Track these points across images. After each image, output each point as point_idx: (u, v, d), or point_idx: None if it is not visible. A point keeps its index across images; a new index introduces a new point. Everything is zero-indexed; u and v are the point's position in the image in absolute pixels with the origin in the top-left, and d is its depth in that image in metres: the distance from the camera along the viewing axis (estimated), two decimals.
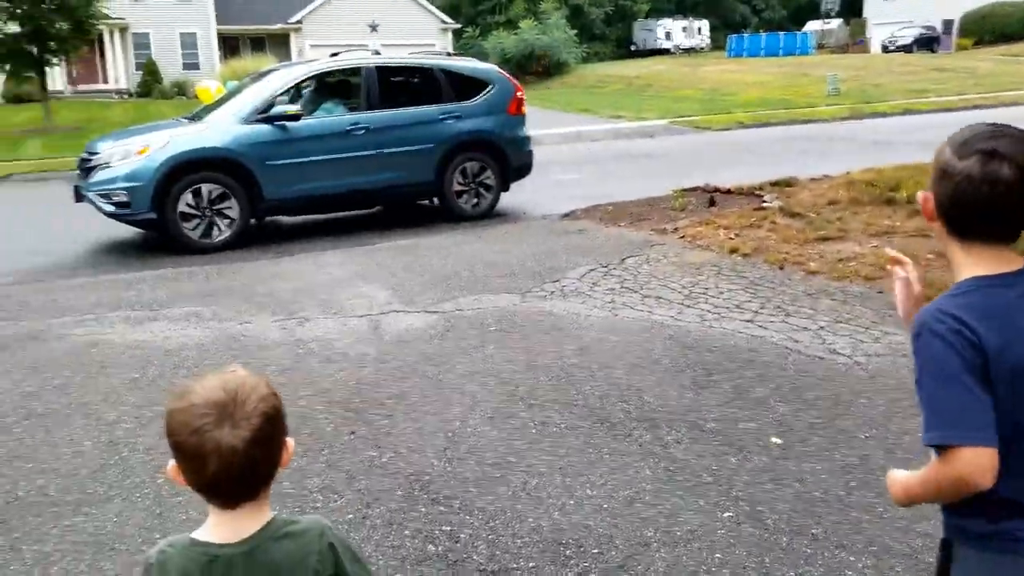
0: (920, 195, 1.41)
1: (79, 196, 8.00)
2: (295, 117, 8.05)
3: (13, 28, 18.48)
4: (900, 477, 1.41)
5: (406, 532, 2.85)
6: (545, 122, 17.48)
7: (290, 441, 1.28)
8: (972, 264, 1.35)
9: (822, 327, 4.80)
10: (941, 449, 1.27)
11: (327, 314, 5.41)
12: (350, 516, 2.96)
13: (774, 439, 3.45)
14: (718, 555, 2.68)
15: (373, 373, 4.32)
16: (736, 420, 3.64)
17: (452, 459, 3.35)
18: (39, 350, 4.84)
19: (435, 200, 9.14)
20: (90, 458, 3.46)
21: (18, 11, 18.12)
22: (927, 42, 45.26)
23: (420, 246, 7.48)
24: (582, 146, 16.37)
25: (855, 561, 2.61)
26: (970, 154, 1.30)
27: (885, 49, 45.03)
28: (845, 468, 3.16)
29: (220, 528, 1.23)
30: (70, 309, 5.70)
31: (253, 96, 8.33)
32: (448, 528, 2.87)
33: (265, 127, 7.92)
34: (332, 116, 8.52)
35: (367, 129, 8.31)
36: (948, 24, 47.76)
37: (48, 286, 6.49)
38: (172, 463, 1.22)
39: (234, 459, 1.14)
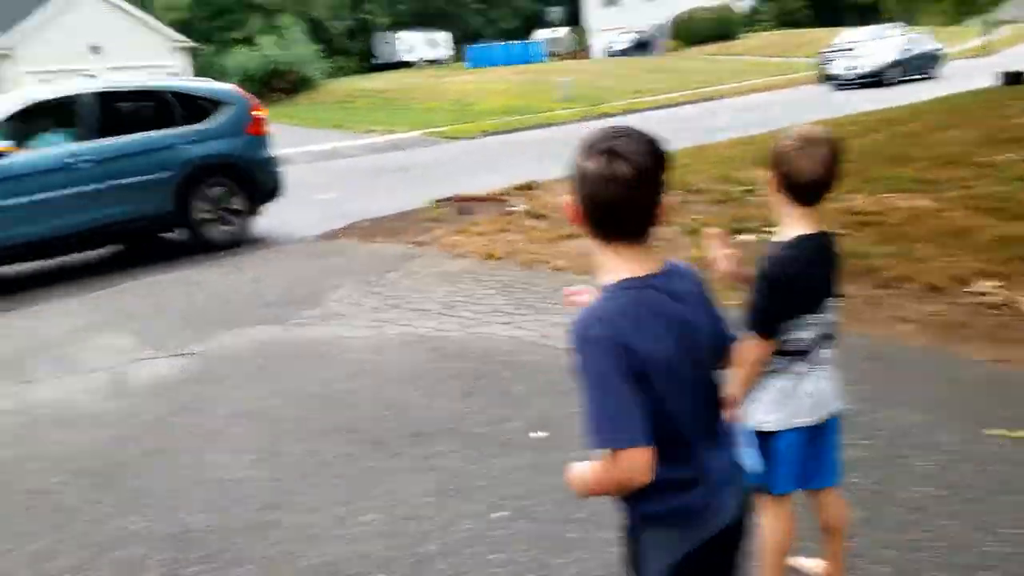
0: (564, 200, 1.45)
1: None
2: (1, 154, 7.16)
3: None
4: (577, 473, 1.49)
5: None
6: (296, 140, 17.02)
7: None
8: (620, 264, 1.42)
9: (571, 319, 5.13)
10: (605, 452, 1.36)
11: (62, 372, 4.90)
12: None
13: (539, 433, 3.64)
14: (498, 555, 2.78)
15: (121, 432, 3.98)
16: (501, 420, 3.79)
17: (218, 510, 3.19)
18: None
19: (180, 232, 8.55)
20: None
21: None
22: (643, 46, 49.94)
23: (167, 282, 6.98)
24: (336, 163, 16.13)
25: (614, 538, 2.83)
26: (594, 155, 1.37)
27: (608, 54, 49.12)
28: None
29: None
30: None
31: None
32: None
33: None
34: (48, 149, 7.68)
35: (91, 161, 7.59)
36: (660, 28, 52.91)
37: None
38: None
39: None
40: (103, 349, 5.28)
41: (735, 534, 1.55)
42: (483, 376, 4.35)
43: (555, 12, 59.85)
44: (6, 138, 7.61)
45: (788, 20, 58.75)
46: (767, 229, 6.64)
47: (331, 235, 8.44)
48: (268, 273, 6.98)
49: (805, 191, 2.13)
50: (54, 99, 8.11)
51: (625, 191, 1.36)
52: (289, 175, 9.29)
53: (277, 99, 30.41)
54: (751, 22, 56.81)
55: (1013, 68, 18.23)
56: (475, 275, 6.38)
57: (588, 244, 1.49)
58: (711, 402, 1.52)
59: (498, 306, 5.56)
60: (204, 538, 3.00)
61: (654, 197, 1.40)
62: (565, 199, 1.45)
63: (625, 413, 1.35)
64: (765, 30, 54.87)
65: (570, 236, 7.28)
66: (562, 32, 56.43)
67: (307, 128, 22.27)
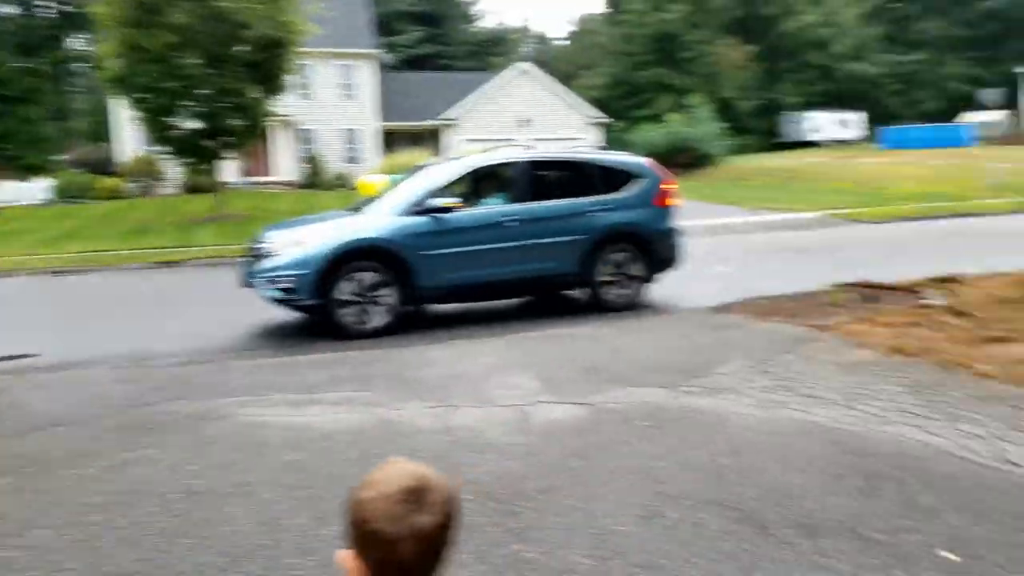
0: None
1: (246, 282, 8.67)
2: (448, 209, 8.49)
3: (194, 124, 20.47)
4: None
5: None
6: (693, 213, 17.45)
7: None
8: None
9: (996, 435, 4.45)
10: None
11: (477, 403, 5.56)
12: None
13: (945, 553, 3.20)
14: None
15: (521, 465, 4.38)
16: (903, 531, 3.41)
17: (600, 558, 3.33)
18: (203, 429, 5.17)
19: (582, 290, 9.28)
20: (247, 537, 3.67)
21: (201, 110, 20.11)
22: None
23: (568, 336, 7.58)
24: (732, 238, 16.17)
25: None
26: None
27: None
28: None
29: None
30: (232, 390, 6.09)
31: (410, 189, 8.88)
32: None
33: (421, 219, 8.39)
34: (485, 208, 8.93)
35: (519, 220, 8.64)
36: None
37: (212, 368, 6.97)
38: (345, 552, 1.30)
39: (426, 542, 1.22)
40: (510, 387, 5.88)
41: None
42: (886, 478, 3.96)
43: (989, 94, 53.43)
44: (455, 196, 9.04)
45: None
46: None
47: (724, 309, 8.44)
48: (660, 338, 7.20)
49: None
50: (493, 164, 9.38)
51: None
52: (684, 246, 9.55)
53: (676, 173, 31.51)
54: None
55: None
56: (878, 369, 5.87)
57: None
58: None
59: (906, 406, 5.03)
60: None
61: None
62: None
63: None
64: None
65: (997, 339, 6.37)
66: (999, 115, 50.10)
67: (704, 203, 22.68)
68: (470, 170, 9.33)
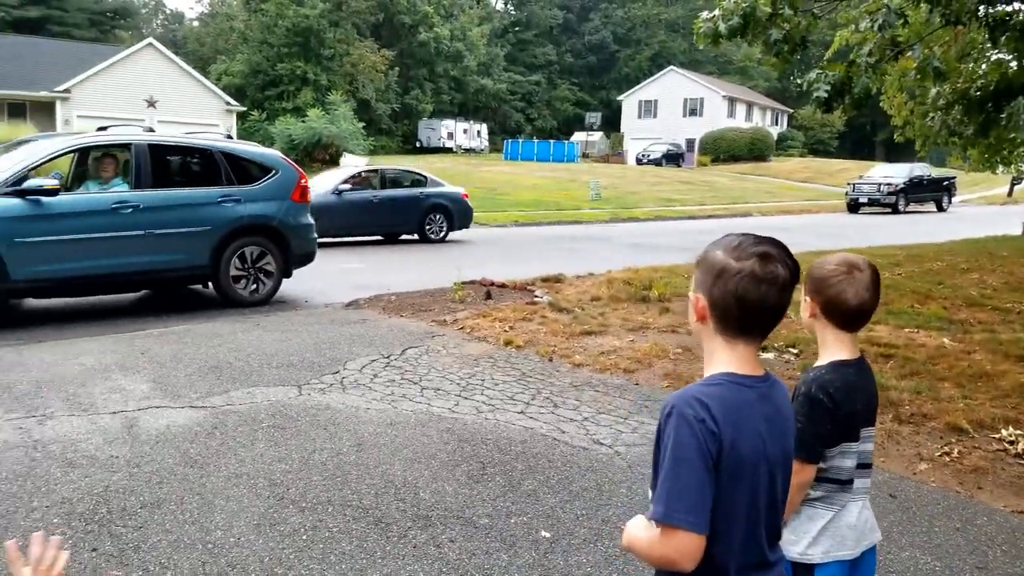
0: (692, 296, 1.53)
1: None
2: (52, 192, 7.40)
3: None
4: (632, 528, 1.50)
5: None
6: None
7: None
8: (730, 361, 1.48)
9: (586, 418, 5.10)
10: (663, 524, 1.37)
11: (74, 411, 4.89)
12: None
13: (543, 532, 3.56)
14: None
15: (124, 478, 3.94)
16: (508, 514, 3.72)
17: (211, 575, 3.12)
18: None
19: (210, 285, 8.71)
20: None
21: None
22: (674, 157, 51.51)
23: (191, 333, 7.04)
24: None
25: None
26: (746, 256, 1.45)
27: (639, 161, 50.75)
28: (609, 559, 3.33)
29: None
30: None
31: (3, 166, 7.56)
32: None
33: (15, 201, 7.20)
34: (96, 192, 7.93)
35: (135, 208, 7.81)
36: (691, 142, 54.52)
37: None
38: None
39: None
40: (117, 392, 5.28)
41: None
42: (494, 464, 4.29)
43: (593, 117, 61.91)
44: (60, 177, 7.89)
45: (819, 149, 60.21)
46: (789, 349, 6.62)
47: (356, 305, 8.53)
48: (291, 335, 7.02)
49: (848, 318, 2.13)
50: (107, 145, 8.38)
51: (775, 293, 1.45)
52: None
53: (317, 169, 31.17)
54: (784, 146, 58.31)
55: None
56: (494, 360, 6.38)
57: (703, 340, 1.55)
58: (771, 524, 1.50)
59: (514, 394, 5.53)
60: None
61: (787, 303, 1.49)
62: (693, 294, 1.53)
63: (694, 494, 1.37)
64: (799, 155, 56.23)
65: (590, 332, 7.30)
66: (597, 136, 58.15)
67: None
68: (79, 148, 8.23)
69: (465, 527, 3.58)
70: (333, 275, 10.44)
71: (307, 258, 9.19)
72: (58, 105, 33.01)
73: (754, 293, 1.44)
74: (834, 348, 2.15)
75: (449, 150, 52.32)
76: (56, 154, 7.96)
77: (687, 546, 1.36)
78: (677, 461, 1.38)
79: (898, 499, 4.07)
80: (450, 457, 4.37)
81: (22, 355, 6.20)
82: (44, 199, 7.32)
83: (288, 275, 8.96)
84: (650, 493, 1.48)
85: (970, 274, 10.90)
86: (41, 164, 7.70)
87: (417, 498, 3.85)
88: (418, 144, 54.33)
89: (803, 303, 2.21)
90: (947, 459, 4.58)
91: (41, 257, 7.27)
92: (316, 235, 9.29)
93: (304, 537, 3.44)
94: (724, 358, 1.50)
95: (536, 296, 9.05)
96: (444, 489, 3.96)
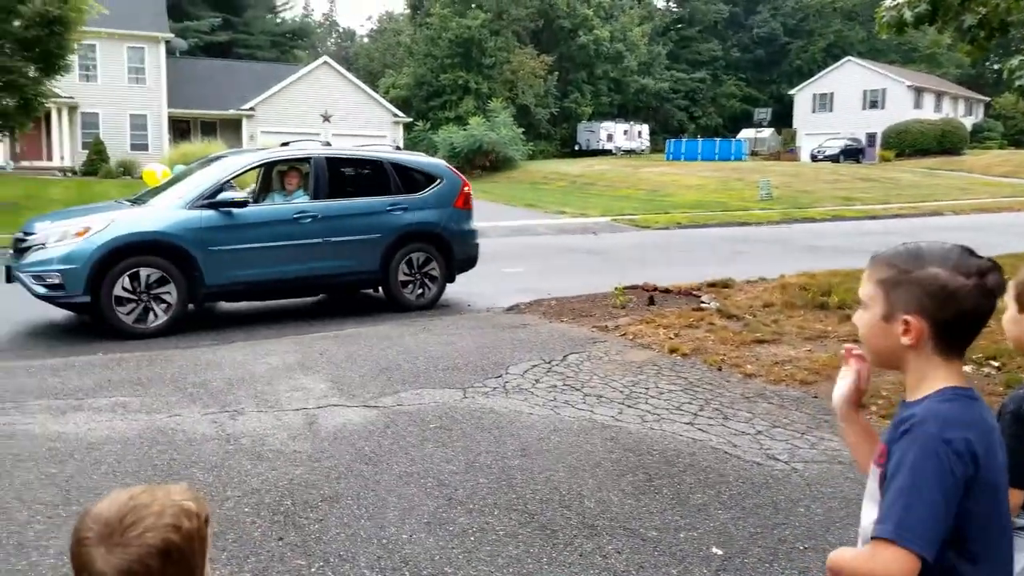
0: (912, 320, 1.39)
1: (10, 276, 7.76)
2: (242, 204, 8.03)
3: None
4: (840, 555, 1.43)
5: None
6: (491, 215, 17.77)
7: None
8: (949, 378, 1.39)
9: (760, 431, 4.85)
10: (884, 542, 1.28)
11: (262, 407, 5.25)
12: None
13: (715, 549, 3.41)
14: None
15: (306, 473, 4.17)
16: (677, 528, 3.60)
17: (386, 569, 3.22)
18: None
19: (379, 290, 9.13)
20: None
21: None
22: (853, 153, 48.20)
23: (363, 336, 7.39)
24: (526, 240, 16.64)
25: None
26: (972, 271, 1.36)
27: (814, 158, 47.78)
28: None
29: None
30: None
31: (199, 181, 8.30)
32: None
33: (210, 212, 7.87)
34: (279, 203, 8.55)
35: (314, 217, 8.34)
36: (871, 137, 50.99)
37: None
38: None
39: None
40: (299, 390, 5.61)
41: None
42: (660, 476, 4.17)
43: (763, 113, 59.50)
44: (248, 190, 8.57)
45: (1022, 140, 54.61)
46: (989, 361, 6.01)
47: (517, 309, 8.63)
48: (455, 338, 7.21)
49: None
50: (288, 159, 8.98)
51: (992, 306, 1.38)
52: (481, 247, 9.67)
53: (477, 175, 32.15)
54: (979, 138, 53.41)
55: None
56: (658, 368, 6.23)
57: (911, 363, 1.43)
58: (985, 531, 1.38)
59: (681, 404, 5.37)
60: None
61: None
62: (912, 319, 1.39)
63: (927, 516, 1.27)
64: (997, 147, 51.32)
65: (762, 341, 6.97)
66: (767, 132, 55.82)
67: (502, 205, 23.21)
68: (265, 163, 8.88)
69: (632, 539, 3.50)
70: (494, 279, 10.63)
71: (469, 263, 9.43)
72: (244, 122, 35.97)
73: (983, 309, 1.37)
74: None
75: (608, 152, 52.07)
76: (245, 169, 8.65)
77: (909, 568, 1.27)
78: (913, 479, 1.29)
79: None
80: (615, 466, 4.30)
81: (216, 354, 6.73)
82: (235, 211, 7.95)
83: (452, 280, 9.23)
84: (867, 520, 1.41)
85: None
86: (232, 178, 8.38)
87: (582, 506, 3.81)
88: (577, 147, 54.49)
89: (1015, 315, 1.98)
90: None
91: (233, 264, 7.90)
92: (478, 241, 9.51)
93: (472, 538, 3.48)
94: (944, 375, 1.40)
95: (703, 302, 8.77)
96: (609, 499, 3.89)
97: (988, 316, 1.39)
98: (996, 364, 5.95)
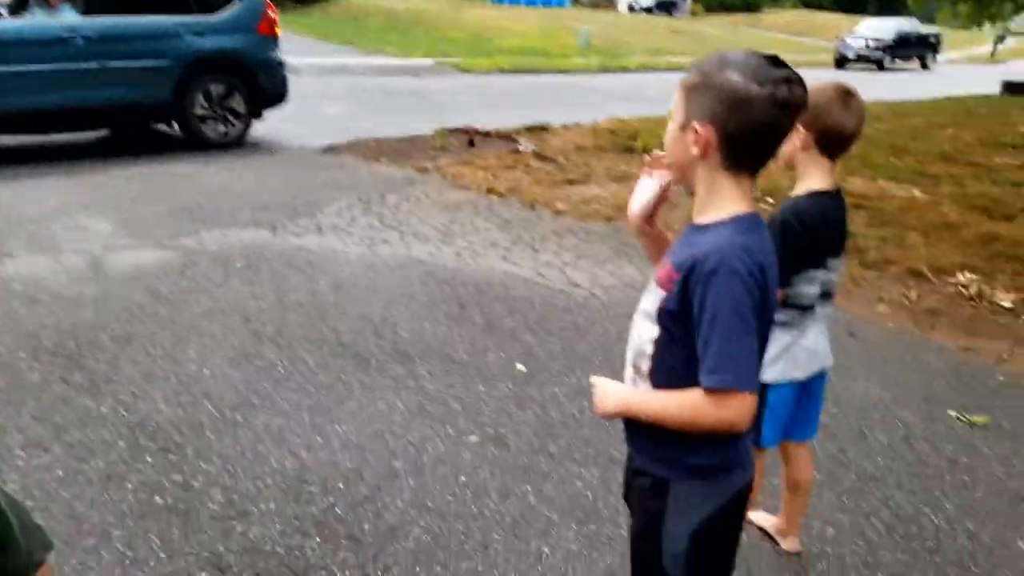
0: (700, 128, 1.29)
1: None
2: None
3: None
4: (620, 393, 1.43)
5: (129, 485, 2.59)
6: (305, 51, 16.60)
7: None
8: (738, 199, 1.32)
9: (566, 263, 5.05)
10: (716, 391, 1.25)
11: (35, 250, 4.76)
12: (59, 473, 2.64)
13: (520, 366, 3.57)
14: (463, 478, 2.73)
15: (92, 315, 3.88)
16: (486, 351, 3.72)
17: (185, 404, 3.10)
18: None
19: (175, 125, 8.32)
20: None
21: None
22: (666, 6, 49.25)
23: (158, 174, 6.80)
24: (345, 79, 15.75)
25: (585, 473, 2.80)
26: (770, 80, 1.24)
27: (631, 8, 48.43)
28: (579, 390, 3.35)
29: None
30: None
31: None
32: (179, 477, 2.65)
33: None
34: (42, 18, 7.37)
35: (87, 39, 7.28)
36: None
37: None
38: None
39: None
40: (80, 231, 5.14)
41: (751, 485, 1.45)
42: (473, 305, 4.26)
43: None
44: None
45: (813, 2, 57.96)
46: (767, 199, 6.54)
47: (334, 149, 8.26)
48: (264, 178, 6.81)
49: (842, 146, 2.11)
50: None
51: (791, 120, 1.28)
52: (294, 84, 9.01)
53: (289, 7, 29.62)
54: None
55: (1016, 78, 18.41)
56: (475, 208, 6.25)
57: (700, 176, 1.34)
58: (763, 349, 1.40)
59: (495, 240, 5.44)
60: (168, 429, 2.92)
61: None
62: (700, 125, 1.29)
63: (752, 354, 1.25)
64: (792, 7, 54.12)
65: (573, 182, 7.15)
66: None
67: (317, 41, 21.71)
68: None
69: (443, 362, 3.58)
70: (310, 120, 10.06)
71: (278, 97, 8.69)
72: None
73: (776, 122, 1.27)
74: (815, 178, 2.13)
75: None
76: None
77: (748, 406, 1.26)
78: (732, 321, 1.23)
79: (857, 337, 4.18)
80: (429, 299, 4.33)
81: None
82: None
83: (258, 115, 8.52)
84: (649, 347, 1.37)
85: (946, 130, 10.81)
86: None
87: (396, 336, 3.82)
88: None
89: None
90: (905, 301, 4.73)
91: None
92: (288, 74, 8.81)
93: (281, 370, 3.42)
94: (733, 195, 1.32)
95: (520, 145, 8.80)
96: (423, 328, 3.94)
97: (782, 133, 1.29)
98: (772, 202, 6.48)
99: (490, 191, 6.73)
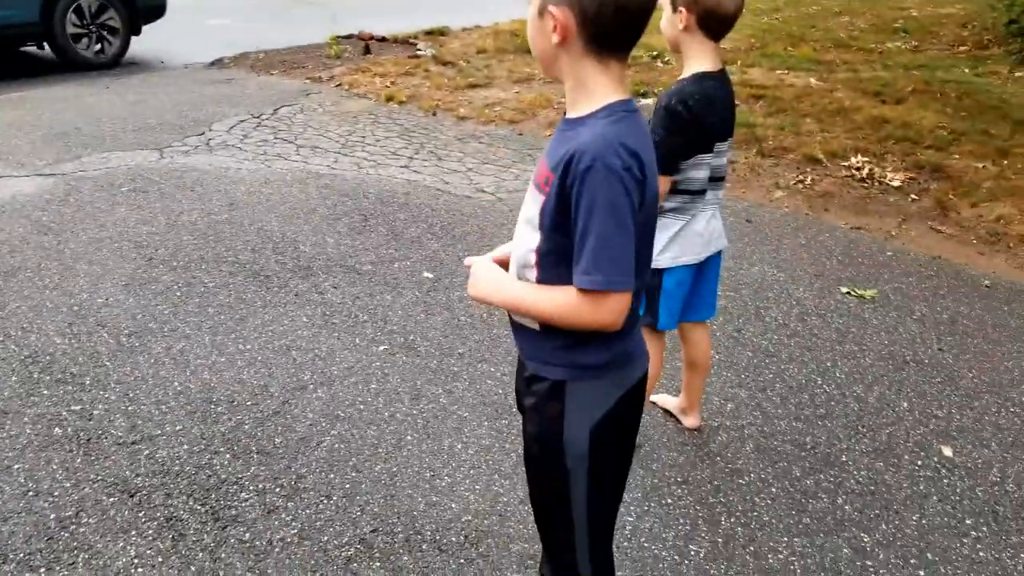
0: (556, 11, 1.20)
1: None
2: None
3: None
4: (495, 277, 1.38)
5: (25, 419, 2.51)
6: None
7: None
8: (608, 85, 1.24)
9: (471, 169, 5.00)
10: (590, 291, 1.20)
11: None
12: None
13: (426, 273, 3.56)
14: (373, 386, 2.74)
15: None
16: (392, 260, 3.69)
17: (79, 334, 2.99)
18: None
19: (46, 46, 7.72)
20: None
21: None
22: None
23: (29, 99, 6.32)
24: None
25: (495, 371, 2.85)
26: None
27: None
28: None
29: None
30: None
31: None
32: (78, 407, 2.58)
33: None
34: None
35: None
36: None
37: None
38: None
39: None
40: None
41: (646, 374, 1.44)
42: (376, 216, 4.19)
43: None
44: None
45: None
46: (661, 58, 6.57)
47: (221, 64, 7.83)
48: (147, 97, 6.42)
49: (724, 26, 2.10)
50: None
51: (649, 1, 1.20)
52: None
53: None
54: None
55: None
56: (375, 116, 6.07)
57: (565, 66, 1.25)
58: (650, 240, 1.37)
59: (397, 149, 5.33)
60: (63, 361, 2.82)
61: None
62: (557, 9, 1.20)
63: (628, 253, 1.19)
64: None
65: (475, 86, 7.01)
66: None
67: None
68: None
69: (348, 274, 3.54)
70: (194, 33, 9.46)
71: (156, 12, 8.16)
72: None
73: (637, 1, 1.19)
74: (700, 60, 2.11)
75: None
76: None
77: (623, 305, 1.22)
78: (614, 222, 1.17)
79: (753, 223, 4.34)
80: (330, 212, 4.23)
81: None
82: None
83: (137, 32, 7.97)
84: (532, 256, 1.31)
85: (841, 17, 10.99)
86: None
87: (297, 251, 3.74)
88: None
89: (670, 16, 2.10)
90: (801, 186, 4.91)
91: None
92: None
93: (178, 294, 3.31)
94: (603, 83, 1.23)
95: (419, 50, 8.52)
96: (325, 241, 3.86)
97: (646, 12, 1.21)
98: (667, 60, 6.52)
99: (389, 99, 6.54)
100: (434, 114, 6.20)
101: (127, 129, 5.52)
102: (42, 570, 1.96)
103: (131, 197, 4.33)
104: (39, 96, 6.43)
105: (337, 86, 6.96)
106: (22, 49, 8.06)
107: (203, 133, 5.50)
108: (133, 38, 7.96)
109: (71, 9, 7.39)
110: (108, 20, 7.67)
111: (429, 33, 9.40)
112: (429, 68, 7.58)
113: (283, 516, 2.15)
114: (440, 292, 3.40)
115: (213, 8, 11.61)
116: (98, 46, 7.66)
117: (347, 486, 2.27)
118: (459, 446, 2.47)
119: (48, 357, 2.84)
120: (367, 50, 8.43)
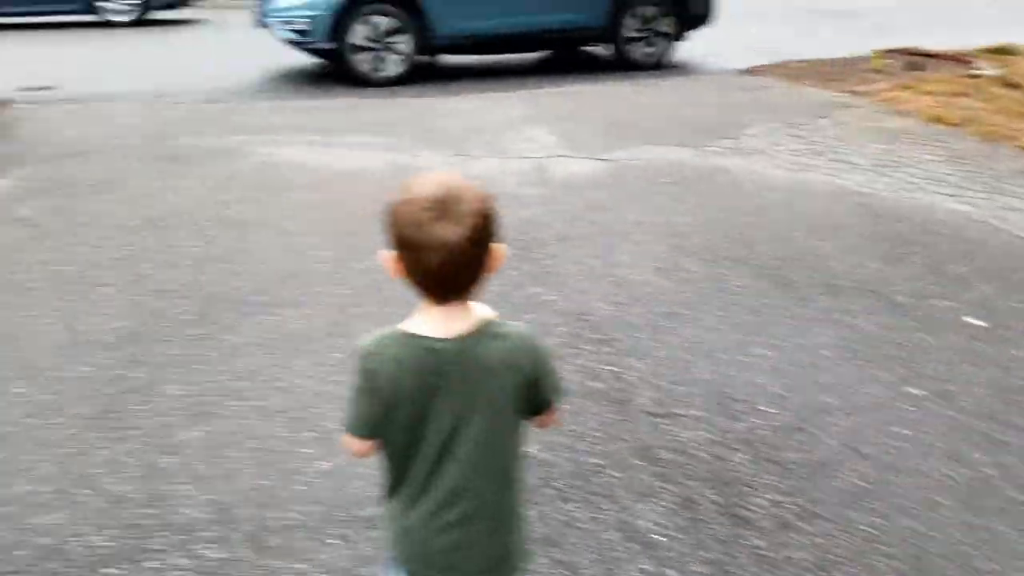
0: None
1: (260, 21, 8.18)
2: None
3: None
4: None
5: (569, 367, 2.83)
6: None
7: (501, 247, 1.22)
8: None
9: None
10: None
11: (493, 154, 5.35)
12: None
13: (972, 319, 3.15)
14: (902, 430, 2.51)
15: (538, 214, 4.26)
16: (930, 296, 3.35)
17: (619, 304, 3.29)
18: (228, 164, 5.07)
19: (606, 47, 8.72)
20: (278, 264, 3.64)
21: None
22: None
23: (589, 93, 7.19)
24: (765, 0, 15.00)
25: None
26: None
27: None
28: None
29: (431, 324, 1.20)
30: (252, 129, 5.91)
31: None
32: (614, 369, 2.83)
33: None
34: None
35: None
36: None
37: (229, 107, 6.73)
38: (390, 252, 1.19)
39: (452, 254, 1.12)
40: (527, 141, 5.63)
41: None
42: (915, 244, 3.85)
43: None
44: None
45: None
46: None
47: (757, 71, 7.95)
48: (687, 98, 6.83)
49: None
50: None
51: None
52: (718, 3, 8.80)
53: None
54: None
55: None
56: (917, 138, 5.58)
57: None
58: None
59: (942, 175, 4.82)
60: (604, 324, 3.13)
61: None
62: None
63: None
64: None
65: None
66: None
67: None
68: None
69: (879, 301, 3.30)
70: (730, 39, 9.77)
71: (701, 20, 8.64)
72: None
73: None
74: None
75: None
76: None
77: None
78: None
79: None
80: (863, 231, 4.01)
81: (448, 105, 6.84)
82: None
83: (681, 38, 8.55)
84: None
85: None
86: None
87: (825, 266, 3.62)
88: None
89: None
90: None
91: (460, 16, 7.77)
92: None
93: (704, 286, 3.45)
94: None
95: (977, 68, 7.60)
96: (855, 262, 3.67)
97: None
98: None
99: (936, 120, 5.95)
100: (991, 141, 5.46)
101: (667, 126, 5.94)
102: (572, 504, 2.19)
103: (668, 188, 4.64)
104: (597, 91, 7.27)
105: (877, 102, 6.56)
106: (581, 48, 9.20)
107: (736, 137, 5.64)
108: (676, 43, 8.54)
109: (633, 15, 8.21)
110: (661, 25, 8.34)
111: (991, 51, 8.32)
112: (989, 89, 6.70)
113: (796, 537, 2.09)
114: (991, 344, 2.97)
115: (752, 15, 11.86)
116: (648, 48, 8.39)
117: (869, 531, 2.11)
118: (1001, 527, 2.13)
119: (593, 318, 3.18)
120: (913, 66, 7.79)
